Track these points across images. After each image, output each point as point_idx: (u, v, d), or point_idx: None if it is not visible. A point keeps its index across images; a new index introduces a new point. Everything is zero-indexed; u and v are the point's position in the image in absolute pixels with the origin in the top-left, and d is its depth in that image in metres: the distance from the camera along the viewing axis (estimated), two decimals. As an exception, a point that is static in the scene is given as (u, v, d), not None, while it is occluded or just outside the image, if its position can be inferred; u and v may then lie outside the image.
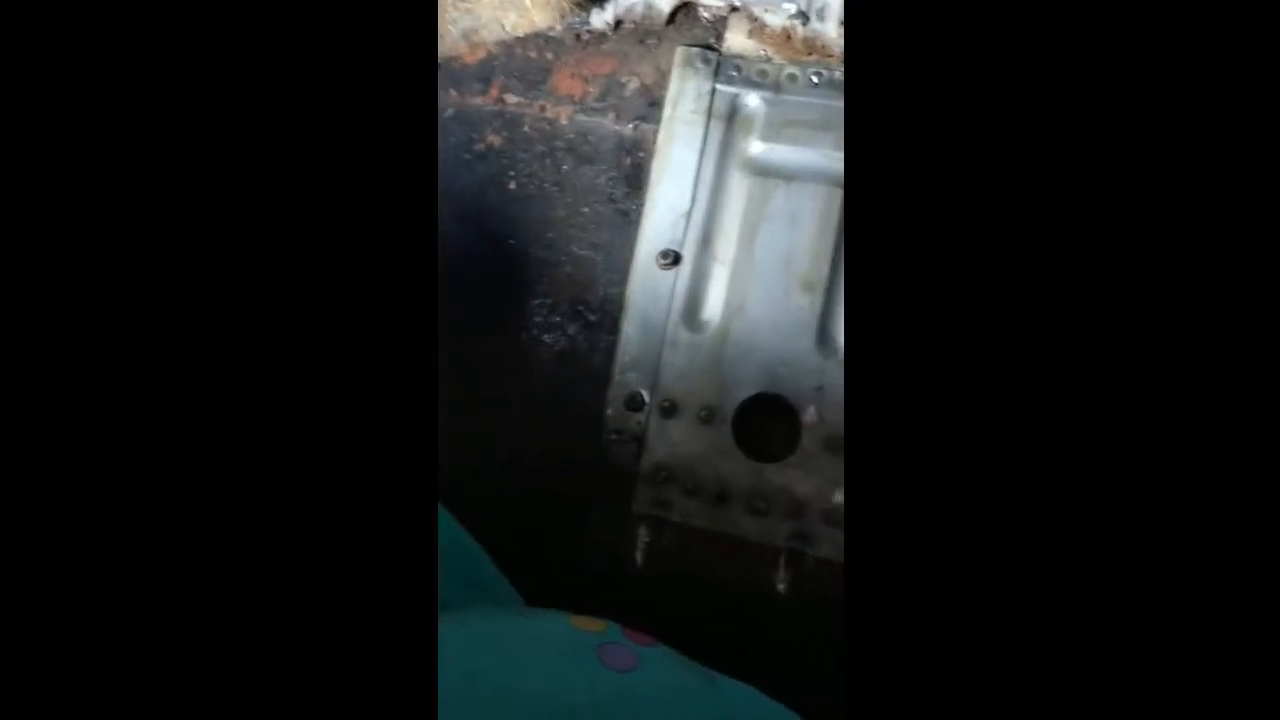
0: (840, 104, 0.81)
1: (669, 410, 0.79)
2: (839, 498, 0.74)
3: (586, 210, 0.86)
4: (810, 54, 0.82)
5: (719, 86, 0.84)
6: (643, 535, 0.78)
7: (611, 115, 0.86)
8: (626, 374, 0.81)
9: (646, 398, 0.80)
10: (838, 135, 0.81)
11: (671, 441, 0.78)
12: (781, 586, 0.74)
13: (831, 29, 0.80)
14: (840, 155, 0.81)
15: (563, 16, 0.85)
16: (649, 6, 0.85)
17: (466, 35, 0.90)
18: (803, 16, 0.80)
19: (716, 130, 0.83)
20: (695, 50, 0.85)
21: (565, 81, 0.88)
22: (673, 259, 0.81)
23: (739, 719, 0.51)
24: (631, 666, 0.52)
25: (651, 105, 0.85)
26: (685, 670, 0.54)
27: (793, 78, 0.83)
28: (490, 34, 0.89)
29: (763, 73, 0.83)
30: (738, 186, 0.83)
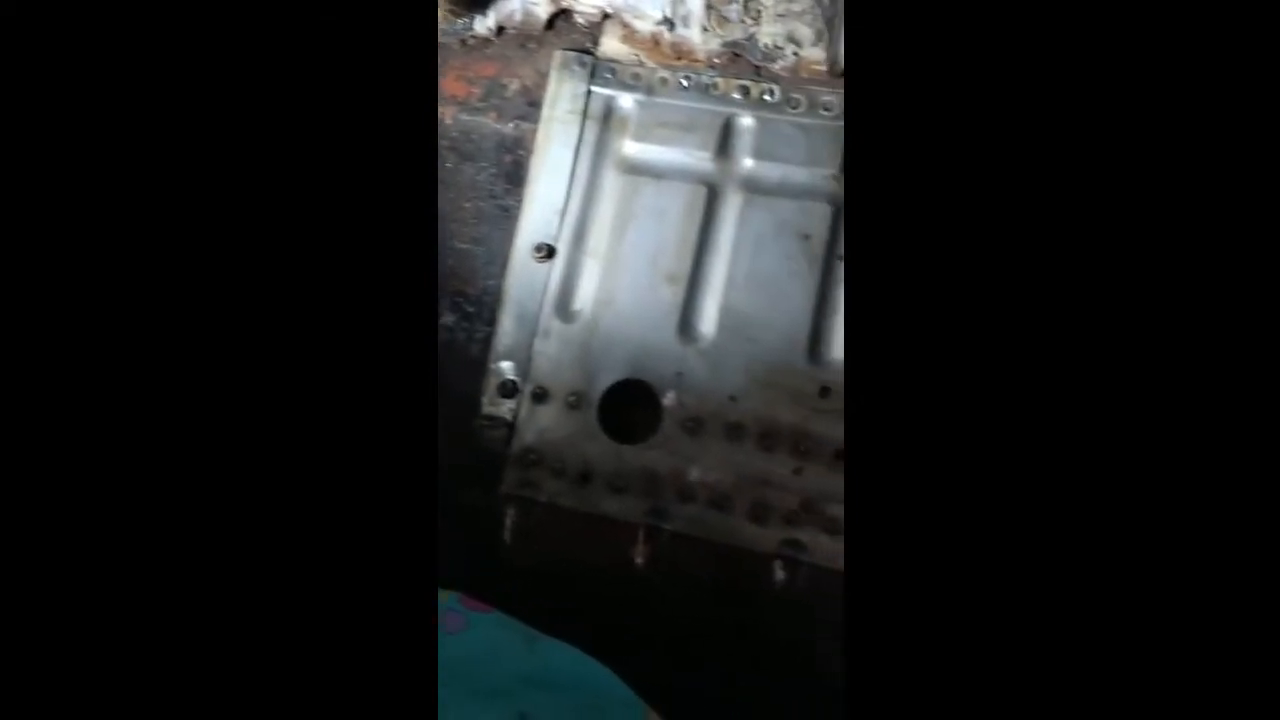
0: (707, 106, 0.86)
1: (540, 396, 0.82)
2: (694, 475, 0.78)
3: (468, 205, 0.89)
4: (679, 59, 0.87)
5: (594, 88, 0.88)
6: (511, 515, 0.80)
7: (493, 115, 0.90)
8: (501, 362, 0.84)
9: (519, 385, 0.83)
10: (704, 136, 0.86)
11: (540, 426, 0.82)
12: (639, 560, 0.77)
13: (695, 34, 0.85)
14: (705, 154, 0.85)
15: (445, 22, 0.89)
16: (528, 13, 0.89)
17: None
18: (668, 23, 0.84)
19: (591, 130, 0.87)
20: (572, 54, 0.89)
21: (450, 84, 0.91)
22: (547, 252, 0.85)
23: (551, 672, 0.54)
24: (460, 628, 0.56)
25: (531, 105, 0.89)
26: (509, 632, 0.57)
27: (664, 81, 0.87)
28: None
29: (635, 76, 0.88)
30: (610, 184, 0.87)
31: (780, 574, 0.75)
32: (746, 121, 0.86)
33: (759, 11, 0.83)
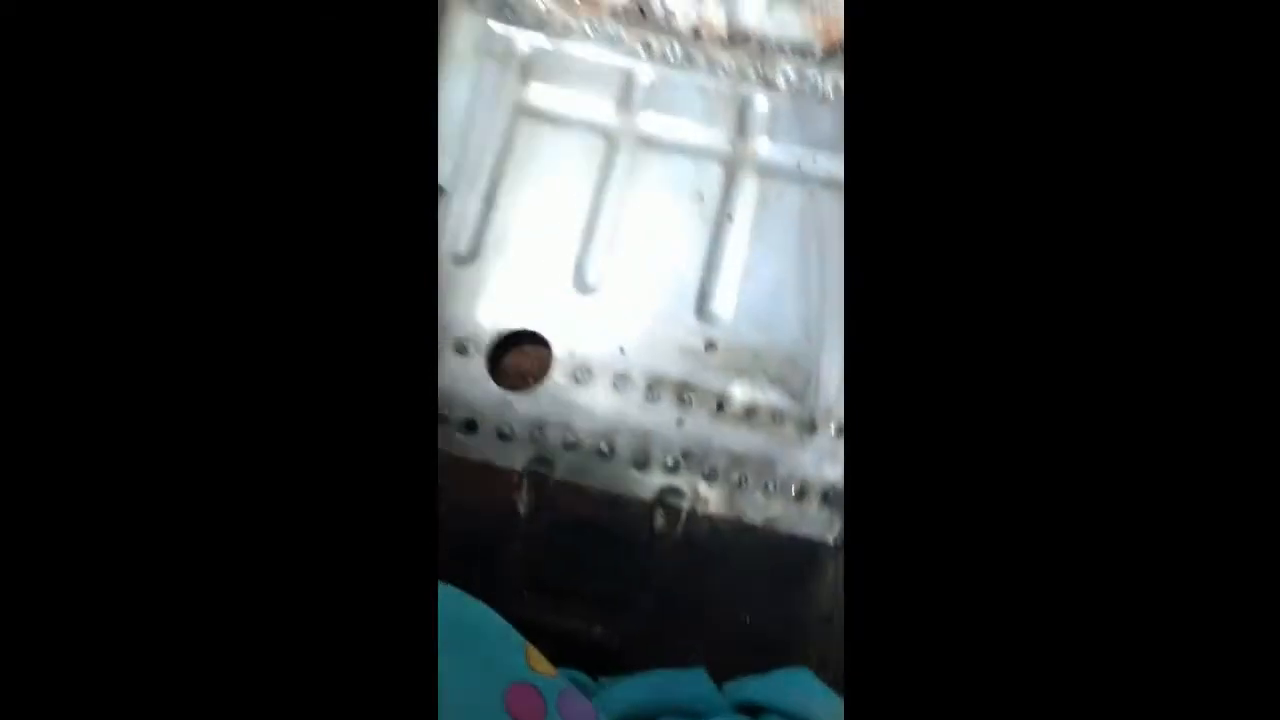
0: (609, 57, 0.86)
1: (426, 340, 0.80)
2: (580, 423, 0.79)
3: (356, 138, 0.85)
4: (583, 5, 0.86)
5: (494, 25, 0.86)
6: (392, 460, 0.79)
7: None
8: (386, 303, 0.82)
9: (405, 327, 0.81)
10: (604, 87, 0.85)
11: (427, 370, 0.80)
12: (523, 508, 0.78)
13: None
14: (605, 106, 0.85)
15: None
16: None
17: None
18: None
19: (490, 69, 0.85)
20: (472, -11, 0.86)
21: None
22: (438, 192, 0.83)
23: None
24: None
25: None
26: None
27: (567, 27, 0.86)
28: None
29: (538, 19, 0.86)
30: (507, 127, 0.85)
31: (660, 520, 0.77)
32: (647, 76, 0.86)
33: (664, -34, 0.84)
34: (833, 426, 0.79)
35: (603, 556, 0.77)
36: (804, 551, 0.77)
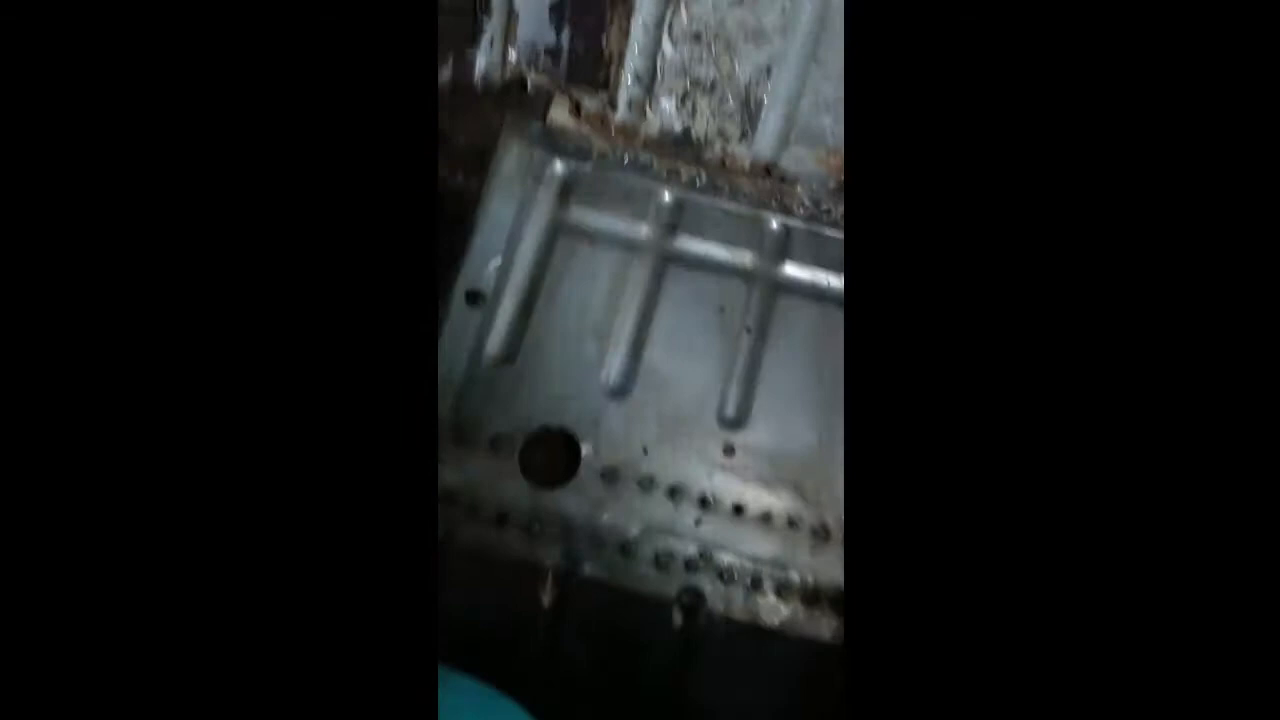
0: (642, 182, 0.95)
1: (461, 438, 0.85)
2: (606, 519, 0.83)
3: (407, 247, 0.93)
4: (621, 138, 0.95)
5: (540, 152, 0.95)
6: (424, 551, 0.82)
7: (441, 165, 0.94)
8: (427, 400, 0.87)
9: (442, 425, 0.86)
10: (637, 208, 0.94)
11: (461, 467, 0.85)
12: (547, 602, 0.81)
13: (637, 119, 0.94)
14: (637, 225, 0.93)
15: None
16: (484, 75, 0.95)
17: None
18: (612, 105, 0.93)
19: (533, 190, 0.94)
20: (522, 119, 0.95)
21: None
22: (477, 299, 0.89)
23: (462, 707, 0.56)
24: None
25: (477, 160, 0.94)
26: None
27: (605, 155, 0.95)
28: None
29: (580, 147, 0.95)
30: (547, 242, 0.92)
31: (678, 618, 0.80)
32: (676, 200, 0.95)
33: (695, 108, 0.93)
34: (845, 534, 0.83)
35: (623, 656, 0.80)
36: (815, 655, 0.79)
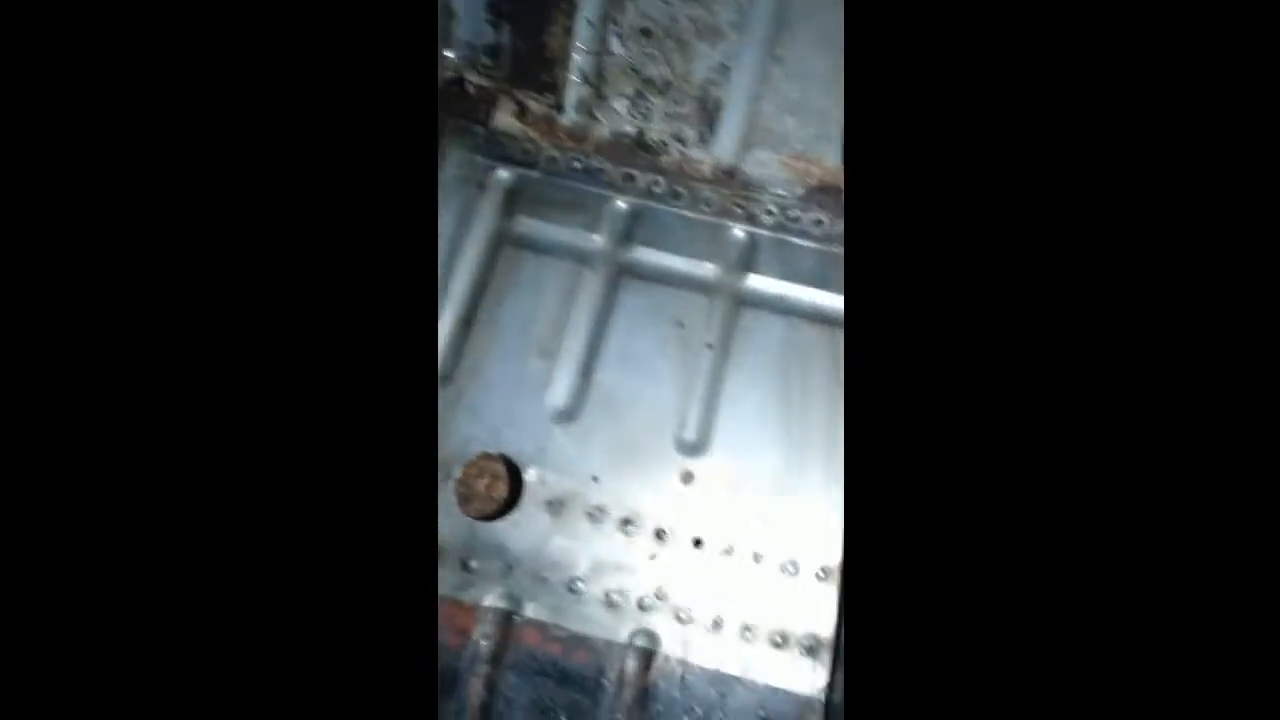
0: (594, 189, 0.88)
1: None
2: (552, 554, 0.75)
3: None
4: (570, 141, 0.89)
5: (482, 159, 0.88)
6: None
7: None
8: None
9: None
10: (589, 217, 0.87)
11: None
12: (485, 644, 0.73)
13: (586, 122, 0.88)
14: (588, 235, 0.86)
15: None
16: (425, 78, 0.90)
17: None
18: (558, 107, 0.87)
19: (476, 198, 0.87)
20: (463, 123, 0.89)
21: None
22: (419, 315, 0.83)
23: None
24: None
25: (418, 169, 0.88)
26: None
27: (553, 160, 0.89)
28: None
29: (526, 151, 0.89)
30: (490, 253, 0.86)
31: (631, 664, 0.72)
32: (631, 208, 0.89)
33: (648, 109, 0.87)
34: (816, 568, 0.76)
35: (568, 704, 0.72)
36: (785, 706, 0.72)
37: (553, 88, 0.86)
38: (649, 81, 0.86)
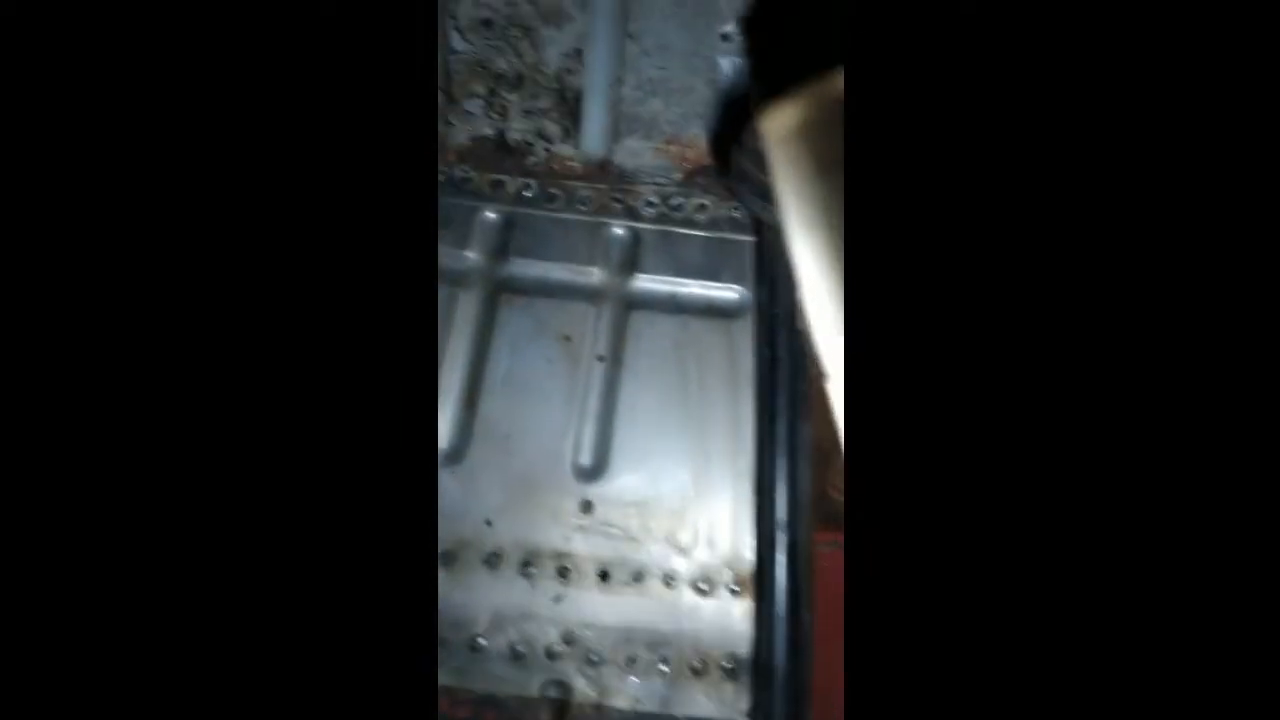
0: (459, 201, 0.81)
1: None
2: (448, 611, 0.70)
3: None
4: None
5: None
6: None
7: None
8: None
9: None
10: (456, 233, 0.79)
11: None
12: None
13: (440, 128, 0.80)
14: (457, 252, 0.79)
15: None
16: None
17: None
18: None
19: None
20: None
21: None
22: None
23: None
24: None
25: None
26: None
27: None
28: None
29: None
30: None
31: (544, 717, 0.68)
32: (502, 217, 0.81)
33: (504, 107, 0.80)
34: (730, 582, 0.71)
35: (483, 769, 0.67)
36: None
37: (392, 97, 0.79)
38: (500, 76, 0.78)
